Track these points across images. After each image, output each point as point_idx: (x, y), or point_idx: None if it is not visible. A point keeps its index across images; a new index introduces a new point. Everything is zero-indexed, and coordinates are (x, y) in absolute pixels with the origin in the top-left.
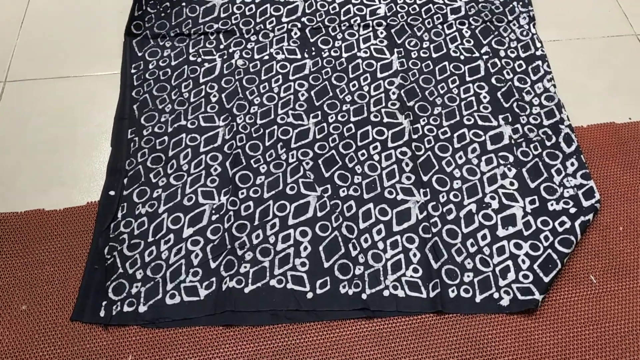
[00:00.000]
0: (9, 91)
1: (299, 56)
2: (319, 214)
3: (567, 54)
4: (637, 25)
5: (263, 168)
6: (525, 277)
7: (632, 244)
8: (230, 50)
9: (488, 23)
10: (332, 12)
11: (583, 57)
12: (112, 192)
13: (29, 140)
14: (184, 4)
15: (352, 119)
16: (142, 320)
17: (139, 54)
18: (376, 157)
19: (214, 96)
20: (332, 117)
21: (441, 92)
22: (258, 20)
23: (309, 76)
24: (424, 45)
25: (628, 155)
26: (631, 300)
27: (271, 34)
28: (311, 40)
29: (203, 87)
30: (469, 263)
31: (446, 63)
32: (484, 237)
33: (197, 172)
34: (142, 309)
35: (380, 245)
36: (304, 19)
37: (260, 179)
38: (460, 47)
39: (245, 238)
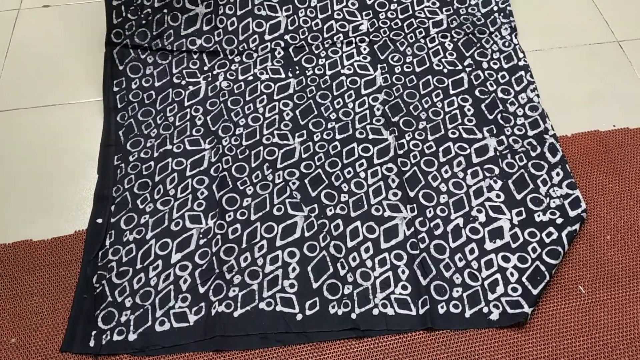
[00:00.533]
0: None
1: (283, 75)
2: (307, 234)
3: (550, 63)
4: (618, 32)
5: (249, 190)
6: (514, 290)
7: (619, 252)
8: (215, 72)
9: (470, 35)
10: (315, 28)
11: (565, 66)
12: (99, 220)
13: (15, 171)
14: (165, 10)
15: (338, 136)
16: (132, 348)
17: (120, 68)
18: (362, 175)
19: (199, 119)
20: (317, 136)
21: (425, 106)
22: (241, 37)
23: (293, 95)
24: (407, 60)
25: (613, 163)
26: (621, 310)
27: (255, 54)
28: (295, 59)
29: (188, 110)
30: (457, 278)
31: (430, 77)
32: (471, 251)
33: (184, 197)
34: (132, 337)
35: (369, 263)
36: (287, 37)
37: (247, 201)
38: (443, 60)
39: (233, 261)
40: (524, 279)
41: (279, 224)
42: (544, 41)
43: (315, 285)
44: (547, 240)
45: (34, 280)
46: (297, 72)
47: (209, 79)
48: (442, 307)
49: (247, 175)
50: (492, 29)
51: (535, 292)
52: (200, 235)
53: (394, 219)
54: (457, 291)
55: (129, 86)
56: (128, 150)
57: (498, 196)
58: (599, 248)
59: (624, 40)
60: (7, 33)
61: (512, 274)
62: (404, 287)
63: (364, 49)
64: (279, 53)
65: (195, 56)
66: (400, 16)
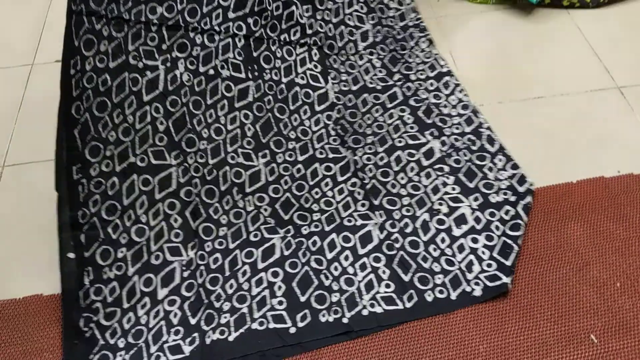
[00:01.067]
0: (7, 175)
1: (243, 75)
2: (286, 253)
3: (552, 110)
4: (618, 78)
5: (224, 219)
6: (489, 265)
7: (630, 299)
8: (174, 55)
9: (394, 53)
10: (275, 13)
11: (568, 113)
12: (71, 255)
13: (26, 224)
14: None
15: (300, 157)
16: None
17: (75, 44)
18: (330, 193)
19: (161, 123)
20: (280, 157)
21: (368, 122)
22: (205, 9)
23: (252, 105)
24: (343, 78)
25: (620, 208)
26: (635, 359)
27: (217, 38)
28: (254, 55)
29: (147, 109)
30: (436, 266)
31: (366, 95)
32: (443, 240)
33: (158, 224)
34: None
35: (350, 270)
36: (250, 20)
37: (223, 230)
38: (374, 77)
39: (220, 290)
40: (495, 254)
41: (257, 248)
42: (546, 88)
43: (302, 299)
44: (507, 217)
45: (45, 335)
46: (256, 73)
47: (168, 64)
48: (429, 296)
49: (218, 201)
50: (412, 44)
51: (508, 263)
52: (183, 268)
53: (367, 226)
54: (439, 278)
55: (83, 67)
56: (88, 160)
57: (454, 188)
58: (609, 296)
59: (624, 86)
60: (21, 87)
61: (483, 253)
62: (388, 286)
63: (315, 54)
64: (240, 41)
65: (153, 29)
66: (334, 19)
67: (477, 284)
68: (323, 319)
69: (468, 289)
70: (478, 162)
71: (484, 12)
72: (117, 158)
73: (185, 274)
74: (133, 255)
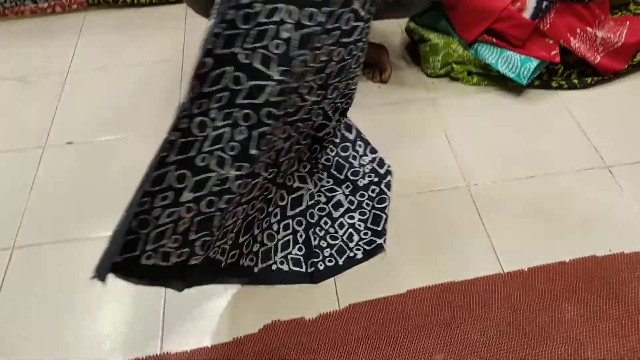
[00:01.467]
0: (16, 257)
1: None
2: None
3: (544, 189)
4: (607, 158)
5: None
6: (365, 234)
7: None
8: None
9: None
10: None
11: (559, 192)
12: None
13: (36, 308)
14: None
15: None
16: (114, 271)
17: None
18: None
19: (286, 33)
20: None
21: None
22: None
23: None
24: None
25: (612, 288)
26: None
27: None
28: None
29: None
30: (323, 243)
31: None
32: (325, 223)
33: (222, 127)
34: (116, 258)
35: (275, 227)
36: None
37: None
38: None
39: (222, 220)
40: (368, 224)
41: (236, 181)
42: (537, 168)
43: (241, 240)
44: (374, 195)
45: None
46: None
47: None
48: (321, 265)
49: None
50: None
51: (379, 228)
52: (217, 182)
53: (301, 189)
54: (327, 251)
55: None
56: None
57: (328, 182)
58: None
59: (612, 165)
60: (32, 169)
61: (359, 225)
62: (300, 249)
63: None
64: None
65: None
66: None
67: (358, 249)
68: (243, 262)
69: (351, 254)
70: (343, 154)
71: (476, 94)
72: (225, 39)
73: (215, 189)
74: (182, 144)
